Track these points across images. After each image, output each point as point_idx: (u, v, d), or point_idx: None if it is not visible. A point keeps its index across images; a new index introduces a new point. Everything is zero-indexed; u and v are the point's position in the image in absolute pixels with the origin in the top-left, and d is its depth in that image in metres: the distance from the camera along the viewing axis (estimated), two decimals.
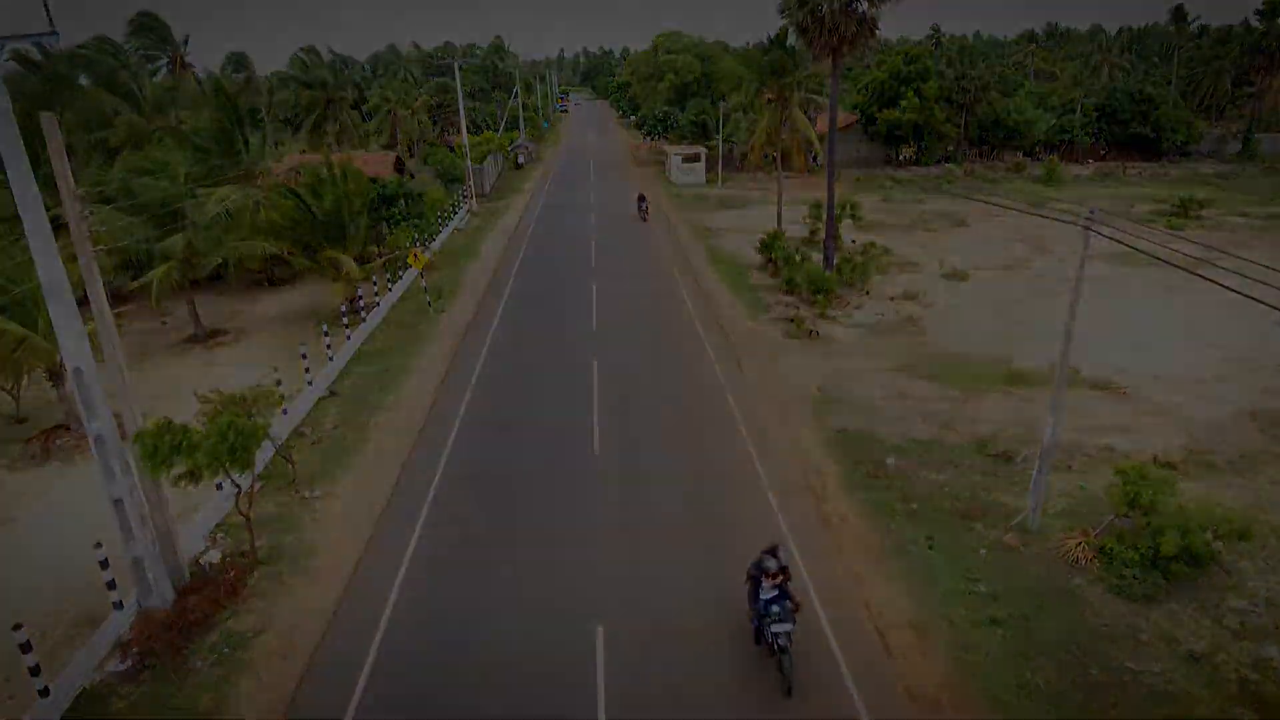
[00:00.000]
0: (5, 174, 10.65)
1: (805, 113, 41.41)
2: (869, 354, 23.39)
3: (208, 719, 10.73)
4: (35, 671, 10.46)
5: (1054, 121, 63.28)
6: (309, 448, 18.15)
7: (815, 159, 53.66)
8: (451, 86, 61.14)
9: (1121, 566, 12.81)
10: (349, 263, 26.45)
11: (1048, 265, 32.84)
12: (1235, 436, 17.85)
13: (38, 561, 14.06)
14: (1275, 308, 9.82)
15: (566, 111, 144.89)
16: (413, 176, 46.62)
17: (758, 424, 18.83)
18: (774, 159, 41.01)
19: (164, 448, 11.91)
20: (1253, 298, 10.85)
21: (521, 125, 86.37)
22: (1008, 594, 12.60)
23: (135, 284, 23.97)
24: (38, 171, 10.87)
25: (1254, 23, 72.83)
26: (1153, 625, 11.86)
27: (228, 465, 12.49)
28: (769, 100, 38.25)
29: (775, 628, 10.63)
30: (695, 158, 58.38)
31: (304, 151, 45.86)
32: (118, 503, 12.01)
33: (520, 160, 71.26)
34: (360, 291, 27.56)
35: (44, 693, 10.56)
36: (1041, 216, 20.98)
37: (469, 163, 51.20)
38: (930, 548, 13.92)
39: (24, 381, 19.43)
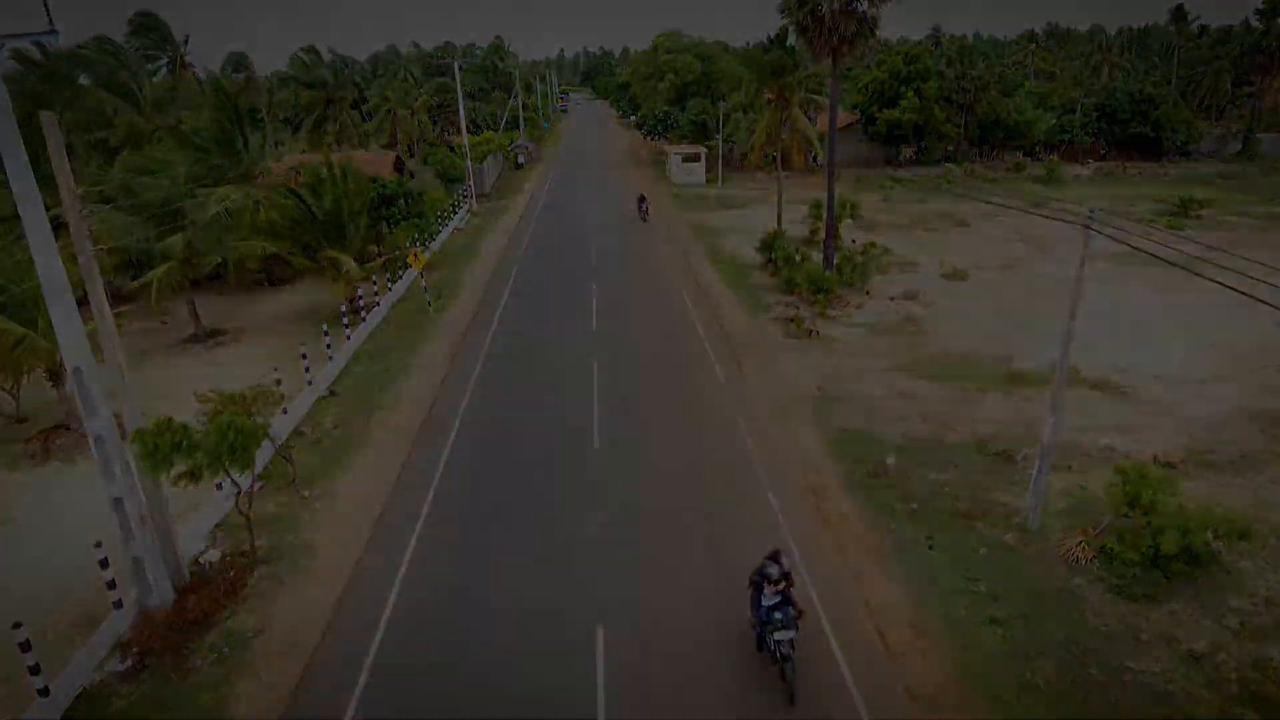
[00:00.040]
0: (5, 173, 10.64)
1: (805, 112, 41.41)
2: (869, 354, 23.39)
3: (208, 719, 10.73)
4: (35, 671, 10.47)
5: (1054, 121, 63.25)
6: (309, 447, 18.16)
7: (815, 159, 53.62)
8: (451, 86, 61.14)
9: (1122, 566, 12.82)
10: (349, 262, 26.45)
11: (1048, 265, 32.84)
12: (1235, 436, 17.84)
13: (38, 561, 14.05)
14: (1276, 307, 9.83)
15: (566, 111, 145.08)
16: (413, 176, 46.59)
17: (758, 424, 18.83)
18: (774, 159, 40.98)
19: (164, 447, 11.92)
20: (1253, 297, 10.86)
21: (521, 125, 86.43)
22: (1008, 594, 12.61)
23: (135, 284, 23.95)
24: (37, 171, 10.84)
25: (1254, 23, 72.84)
26: (1153, 625, 11.86)
27: (227, 465, 12.52)
28: (769, 100, 38.21)
29: (778, 635, 10.55)
30: (695, 157, 58.37)
31: (304, 151, 45.90)
32: (117, 502, 12.01)
33: (520, 160, 71.32)
34: (360, 291, 27.58)
35: (44, 692, 10.57)
36: (1042, 216, 21.00)
37: (469, 163, 51.25)
38: (930, 547, 13.92)
39: (24, 381, 19.42)
